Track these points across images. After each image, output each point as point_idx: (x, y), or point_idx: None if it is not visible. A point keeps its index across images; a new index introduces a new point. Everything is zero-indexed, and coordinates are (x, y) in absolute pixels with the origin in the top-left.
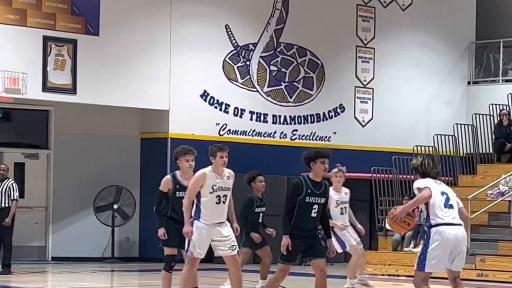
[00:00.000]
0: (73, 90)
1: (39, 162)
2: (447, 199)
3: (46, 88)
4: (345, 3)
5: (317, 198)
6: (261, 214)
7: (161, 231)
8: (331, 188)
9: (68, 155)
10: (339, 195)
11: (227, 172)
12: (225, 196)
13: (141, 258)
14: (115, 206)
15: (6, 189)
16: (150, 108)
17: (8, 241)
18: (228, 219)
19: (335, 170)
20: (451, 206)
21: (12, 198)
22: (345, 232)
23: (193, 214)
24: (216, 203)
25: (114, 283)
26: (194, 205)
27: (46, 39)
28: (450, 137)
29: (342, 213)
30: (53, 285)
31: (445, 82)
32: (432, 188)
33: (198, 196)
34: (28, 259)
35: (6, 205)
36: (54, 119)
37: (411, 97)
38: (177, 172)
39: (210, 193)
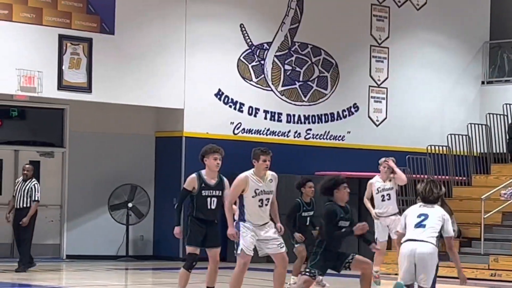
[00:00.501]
0: (88, 88)
1: (54, 160)
2: (423, 220)
3: (61, 86)
4: (360, 3)
5: (346, 223)
6: (308, 218)
7: (177, 230)
8: (376, 176)
9: (83, 154)
10: (381, 183)
11: (270, 174)
12: (267, 199)
13: (155, 256)
14: (130, 205)
15: (28, 189)
16: (165, 107)
17: (28, 241)
18: (272, 220)
19: (383, 159)
20: (422, 226)
21: (33, 199)
22: (377, 223)
23: (236, 217)
24: (259, 206)
25: (129, 281)
26: (237, 207)
27: (61, 37)
28: (464, 136)
29: (383, 200)
30: (67, 283)
31: (459, 81)
32: (409, 213)
33: (241, 198)
34: (43, 257)
35: (27, 205)
36: (70, 118)
37: (425, 96)
38: (203, 171)
39: (253, 197)
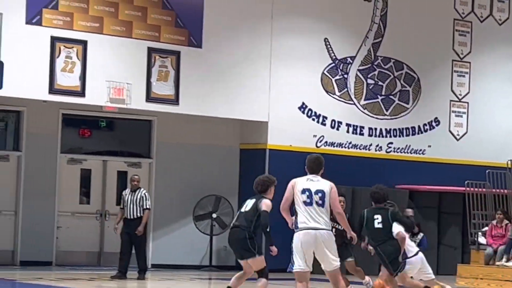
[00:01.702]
0: (175, 100)
1: (142, 170)
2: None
3: (149, 98)
4: (442, 18)
5: None
6: None
7: (276, 248)
8: None
9: (169, 164)
10: None
11: None
12: None
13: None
14: (214, 215)
15: (139, 199)
16: (249, 119)
17: (143, 249)
18: None
19: None
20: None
21: (144, 207)
22: None
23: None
24: None
25: None
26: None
27: (150, 50)
28: None
29: None
30: None
31: None
32: None
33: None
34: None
35: (140, 214)
36: (157, 129)
37: (506, 111)
38: None
39: None
